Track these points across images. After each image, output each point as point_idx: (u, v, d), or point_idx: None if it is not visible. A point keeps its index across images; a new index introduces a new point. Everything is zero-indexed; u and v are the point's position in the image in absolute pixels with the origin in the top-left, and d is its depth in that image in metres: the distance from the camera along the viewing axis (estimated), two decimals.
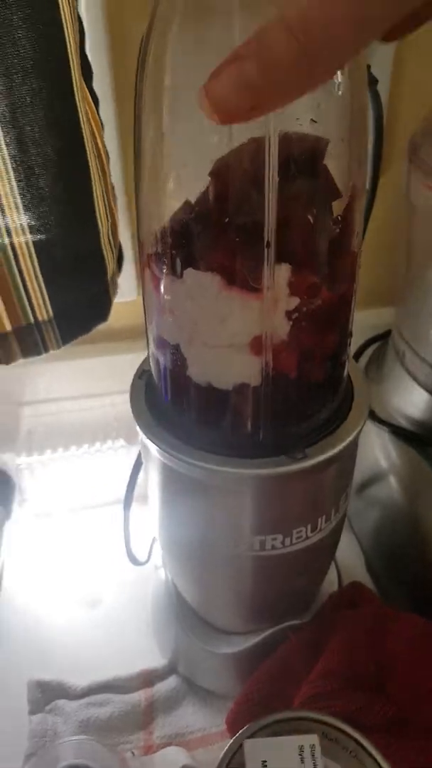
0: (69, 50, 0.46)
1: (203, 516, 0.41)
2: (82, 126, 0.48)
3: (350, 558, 0.61)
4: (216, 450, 0.37)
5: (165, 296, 0.34)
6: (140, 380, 0.44)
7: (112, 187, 0.57)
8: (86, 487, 0.69)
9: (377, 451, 0.61)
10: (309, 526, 0.40)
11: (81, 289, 0.55)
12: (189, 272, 0.32)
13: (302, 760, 0.28)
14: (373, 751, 0.30)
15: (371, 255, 0.53)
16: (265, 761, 0.28)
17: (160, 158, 0.33)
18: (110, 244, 0.57)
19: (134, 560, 0.56)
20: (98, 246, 0.54)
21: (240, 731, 0.32)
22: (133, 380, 0.44)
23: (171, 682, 0.52)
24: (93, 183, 0.51)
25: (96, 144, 0.52)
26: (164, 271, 0.34)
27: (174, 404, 0.40)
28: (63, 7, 0.44)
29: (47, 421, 0.74)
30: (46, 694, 0.51)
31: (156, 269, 0.34)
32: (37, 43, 0.43)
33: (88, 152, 0.50)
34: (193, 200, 0.32)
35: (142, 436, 0.40)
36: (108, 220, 0.56)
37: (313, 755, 0.28)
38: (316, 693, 0.42)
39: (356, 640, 0.44)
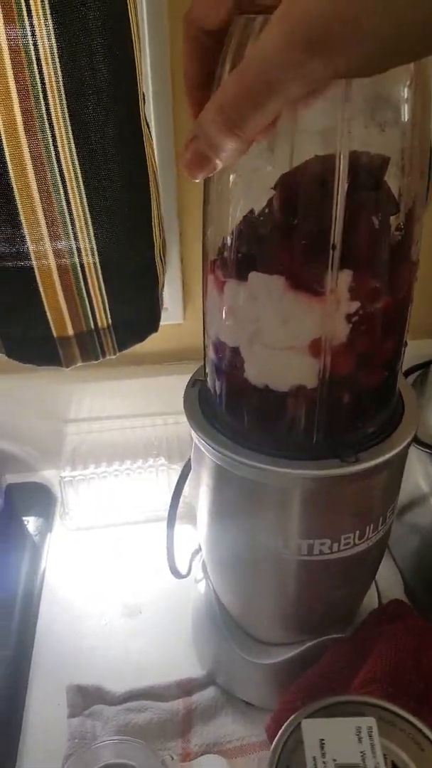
0: (137, 75, 0.49)
1: (253, 518, 0.42)
2: (145, 146, 0.52)
3: (389, 582, 0.61)
4: (268, 451, 0.39)
5: (227, 299, 0.36)
6: (193, 388, 0.45)
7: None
8: (126, 503, 0.71)
9: (419, 475, 0.62)
10: (357, 533, 0.41)
11: (136, 300, 0.58)
12: (254, 275, 0.34)
13: (359, 740, 0.28)
14: (430, 734, 0.30)
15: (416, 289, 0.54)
16: (323, 740, 0.29)
17: (228, 170, 0.35)
18: (161, 260, 0.60)
19: (176, 573, 0.57)
20: (153, 261, 0.57)
21: (297, 712, 0.32)
22: (186, 389, 0.46)
23: (210, 692, 0.52)
24: (152, 202, 0.55)
25: (152, 165, 0.55)
26: (228, 274, 0.36)
27: (228, 408, 0.41)
28: (134, 34, 0.48)
29: (90, 438, 0.76)
30: (86, 699, 0.52)
31: (220, 273, 0.36)
32: (113, 68, 0.47)
33: (149, 172, 0.53)
34: (257, 210, 0.35)
35: (195, 436, 0.42)
36: (160, 237, 0.59)
37: (370, 735, 0.29)
38: None
39: (400, 651, 0.44)
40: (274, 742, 0.32)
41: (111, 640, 0.58)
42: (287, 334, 0.35)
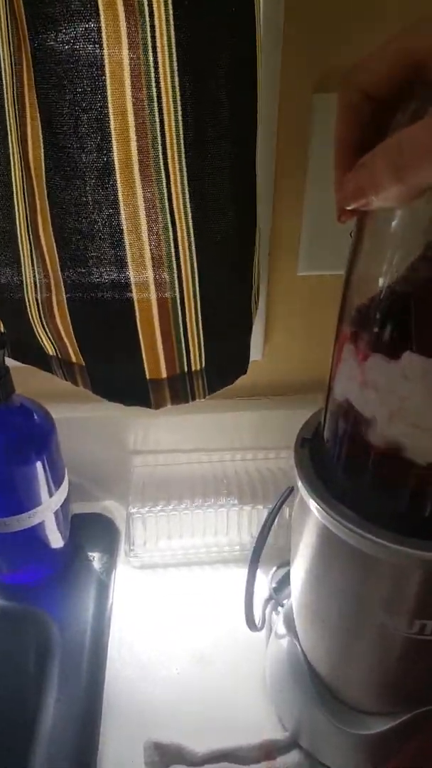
0: (256, 127, 0.48)
1: (361, 590, 0.41)
2: (256, 200, 0.51)
3: None
4: (387, 524, 0.37)
5: (370, 373, 0.35)
6: (303, 449, 0.44)
7: None
8: (193, 542, 0.69)
9: None
10: None
11: (230, 343, 0.57)
12: (408, 355, 0.32)
13: None
14: None
15: None
16: None
17: (379, 240, 0.34)
18: (255, 305, 0.58)
19: (252, 627, 0.55)
20: (248, 306, 0.56)
21: None
22: (296, 448, 0.44)
23: (293, 756, 0.51)
24: (255, 246, 0.53)
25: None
26: (376, 349, 0.34)
27: (347, 473, 0.40)
28: (259, 83, 0.47)
29: (158, 472, 0.75)
30: (164, 758, 0.50)
31: (364, 346, 0.35)
32: (234, 117, 0.46)
33: (256, 217, 0.52)
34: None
35: (309, 501, 0.40)
36: (257, 282, 0.57)
37: None
38: None
39: None
40: None
41: (184, 692, 0.56)
42: None
